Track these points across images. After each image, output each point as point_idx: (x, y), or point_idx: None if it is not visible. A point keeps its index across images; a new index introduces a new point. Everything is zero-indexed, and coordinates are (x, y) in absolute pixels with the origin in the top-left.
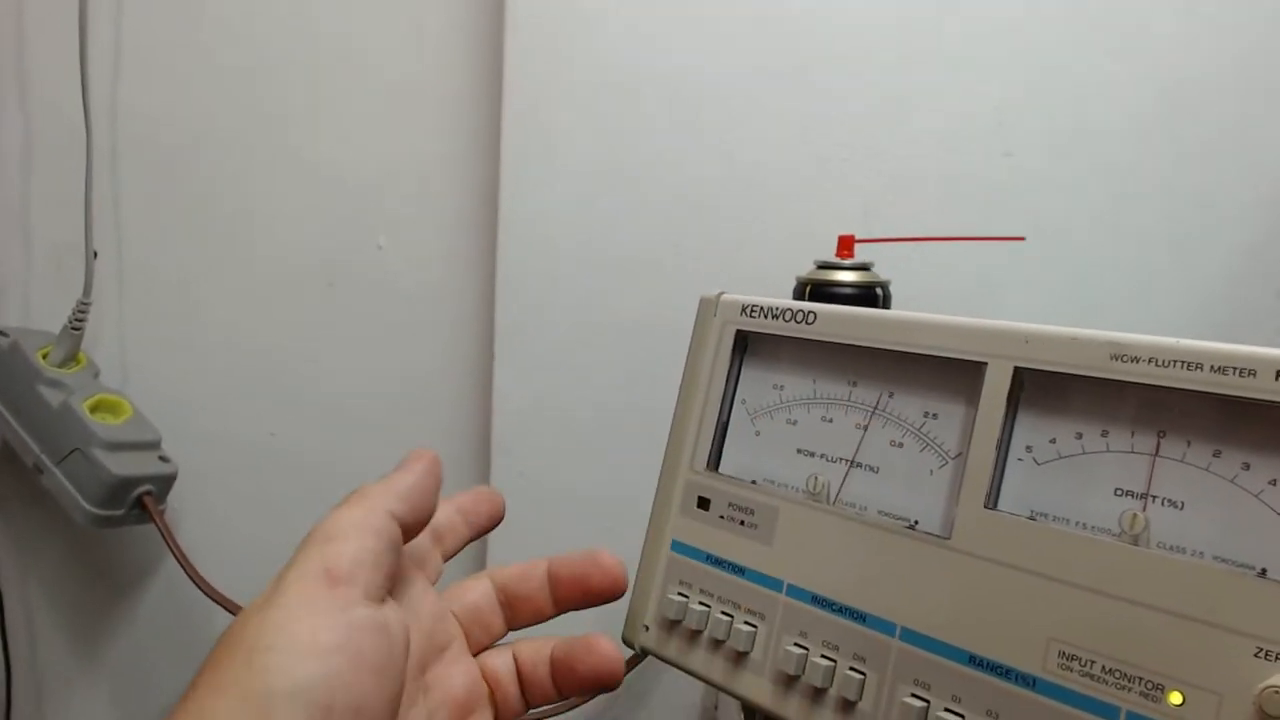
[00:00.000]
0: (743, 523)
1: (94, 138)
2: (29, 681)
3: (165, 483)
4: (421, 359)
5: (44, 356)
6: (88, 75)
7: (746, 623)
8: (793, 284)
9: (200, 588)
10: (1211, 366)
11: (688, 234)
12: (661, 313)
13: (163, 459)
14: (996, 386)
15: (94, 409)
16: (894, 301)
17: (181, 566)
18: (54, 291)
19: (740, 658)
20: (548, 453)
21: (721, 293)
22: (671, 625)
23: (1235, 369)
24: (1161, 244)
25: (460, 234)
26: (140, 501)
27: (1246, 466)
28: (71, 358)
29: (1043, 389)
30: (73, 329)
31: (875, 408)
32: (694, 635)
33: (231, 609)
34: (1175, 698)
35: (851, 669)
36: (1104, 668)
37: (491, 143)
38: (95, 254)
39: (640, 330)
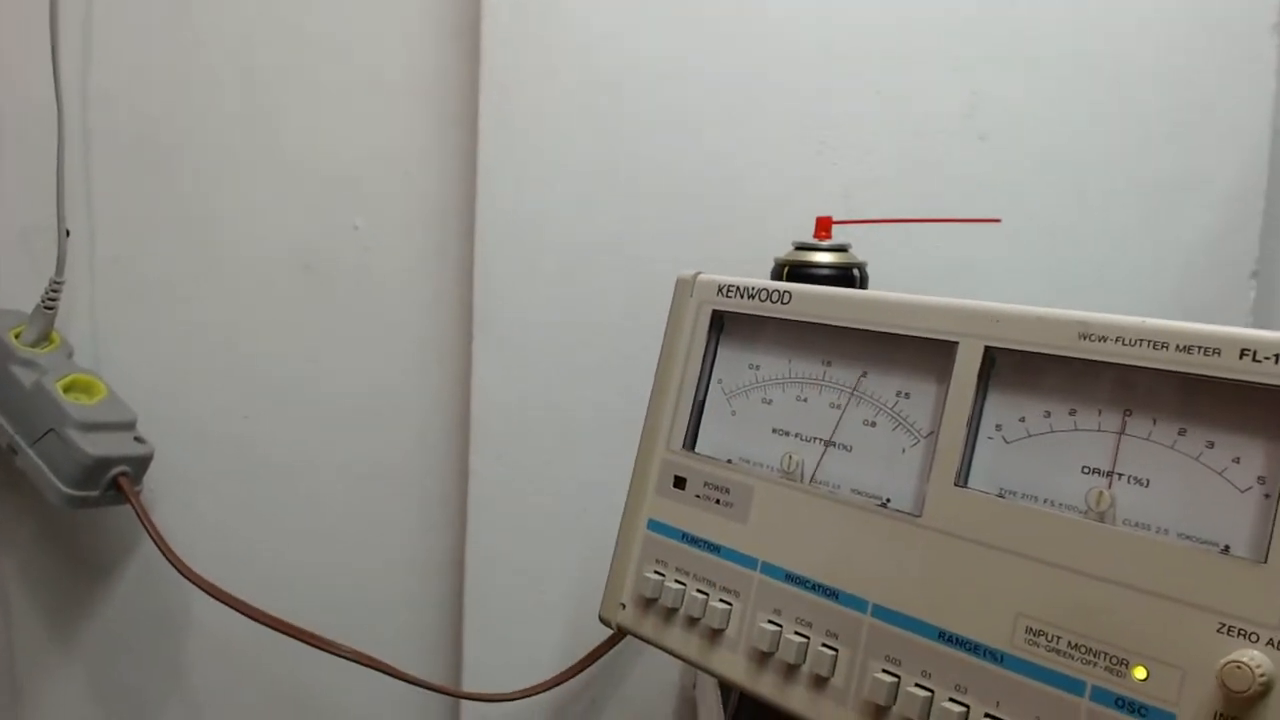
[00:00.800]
0: (718, 501)
1: (65, 118)
2: (4, 663)
3: (141, 463)
4: (400, 343)
5: (16, 336)
6: (58, 56)
7: (721, 600)
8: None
9: (177, 568)
10: (1177, 346)
11: (668, 220)
12: (641, 298)
13: (138, 440)
14: (967, 365)
15: (68, 389)
16: (873, 284)
17: (158, 547)
18: (24, 272)
19: (715, 635)
20: (527, 437)
21: (698, 273)
22: (648, 603)
23: (1200, 348)
24: (1137, 226)
25: (439, 220)
26: (116, 482)
27: (1210, 444)
28: (44, 337)
29: (1013, 368)
30: (45, 308)
31: (849, 387)
32: (670, 613)
33: (208, 589)
34: (1140, 672)
35: (824, 645)
36: (1070, 643)
37: (470, 130)
38: (68, 232)
39: (621, 318)
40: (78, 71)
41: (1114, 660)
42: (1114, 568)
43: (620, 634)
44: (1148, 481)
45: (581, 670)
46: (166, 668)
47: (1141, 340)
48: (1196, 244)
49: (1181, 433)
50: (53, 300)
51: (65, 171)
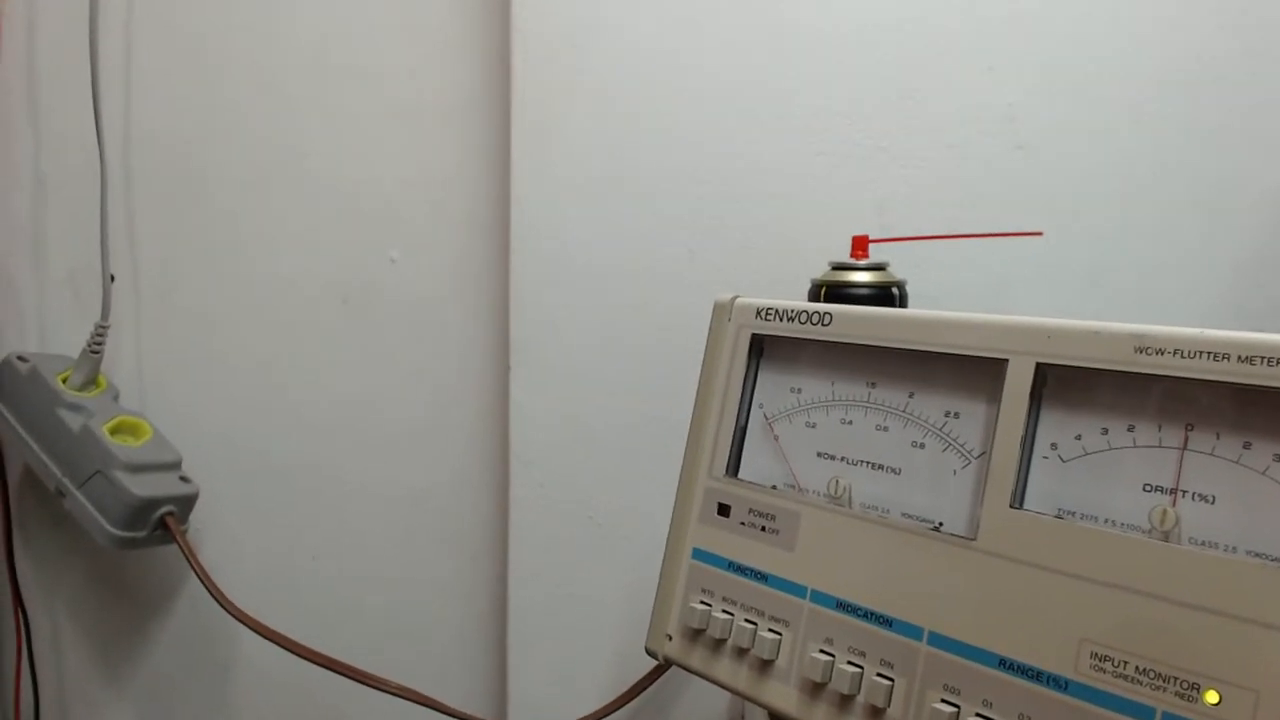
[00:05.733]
0: (764, 528)
1: (107, 162)
2: (55, 704)
3: (187, 503)
4: (438, 373)
5: (64, 380)
6: (99, 100)
7: (771, 630)
8: (809, 287)
9: (224, 606)
10: (1238, 357)
11: (701, 241)
12: (678, 321)
13: (184, 479)
14: (1019, 383)
15: (114, 431)
16: (910, 301)
17: (205, 586)
18: (70, 316)
19: (765, 666)
20: (567, 464)
21: (736, 296)
22: (695, 634)
23: (1263, 358)
24: (1180, 235)
25: (473, 247)
26: (162, 522)
27: (1277, 458)
28: (91, 381)
29: (1066, 385)
30: (92, 352)
31: (896, 409)
32: (718, 644)
33: (255, 627)
34: (1211, 697)
35: (879, 675)
36: (1137, 668)
37: (502, 156)
38: (112, 277)
39: (658, 339)
40: (119, 116)
41: (1184, 685)
42: (1181, 588)
43: (667, 665)
44: (1213, 498)
45: (628, 702)
46: (214, 704)
47: (1201, 352)
48: (1245, 252)
49: (1246, 446)
50: (98, 344)
51: (109, 216)
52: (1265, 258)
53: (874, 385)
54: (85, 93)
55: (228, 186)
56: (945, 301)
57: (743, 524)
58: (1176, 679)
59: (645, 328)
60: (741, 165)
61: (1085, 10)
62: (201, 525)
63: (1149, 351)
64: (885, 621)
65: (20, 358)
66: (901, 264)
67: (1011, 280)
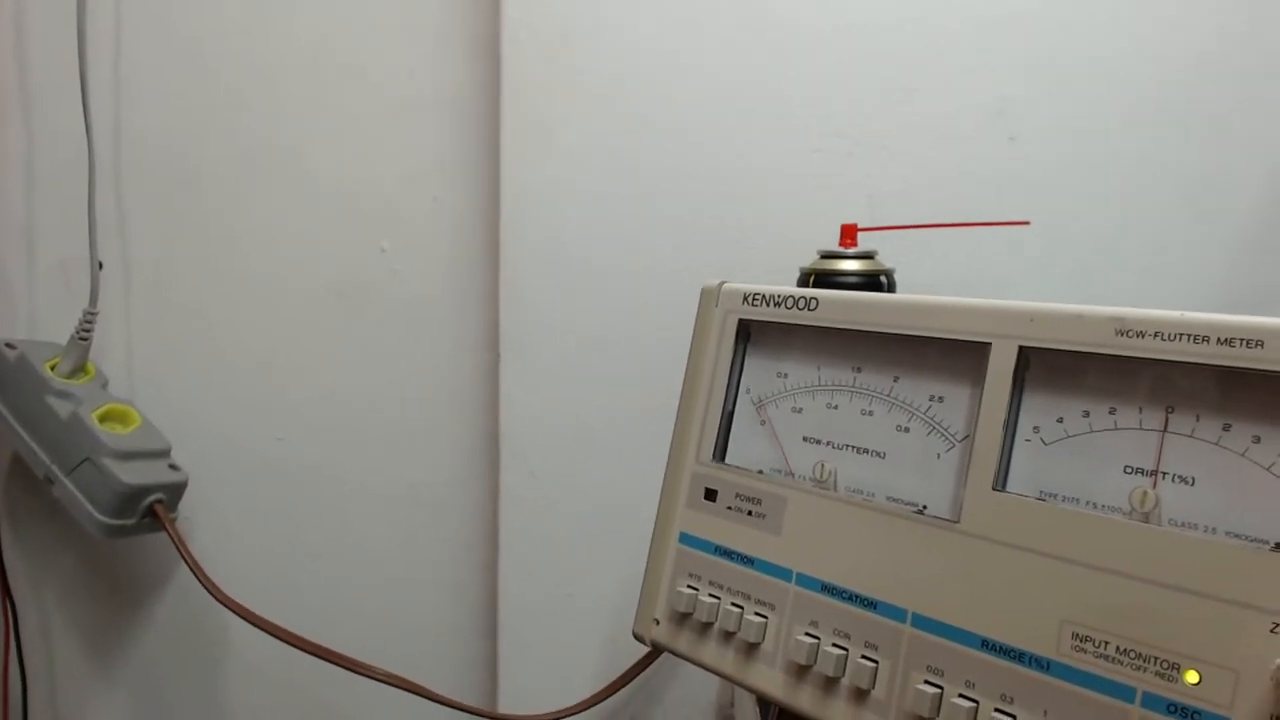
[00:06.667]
0: (750, 513)
1: (96, 150)
2: (45, 692)
3: (176, 491)
4: (428, 364)
5: (52, 368)
6: (88, 90)
7: (757, 613)
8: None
9: (213, 594)
10: (1218, 339)
11: (692, 233)
12: (673, 317)
13: (173, 467)
14: (1001, 367)
15: (103, 419)
16: (901, 291)
17: (194, 574)
18: (60, 304)
19: (752, 649)
20: (557, 455)
21: (723, 282)
22: (682, 618)
23: (1242, 340)
24: (1170, 226)
25: (464, 241)
26: (152, 510)
27: (1257, 439)
28: (80, 368)
29: (1049, 368)
30: (80, 339)
31: (881, 393)
32: (705, 628)
33: (244, 615)
34: (1191, 676)
35: (864, 657)
36: (1118, 648)
37: (492, 151)
38: (100, 265)
39: (647, 332)
40: (108, 107)
41: (1164, 665)
42: (1161, 569)
43: (656, 650)
44: (1193, 479)
45: (618, 689)
46: (204, 692)
47: (1181, 334)
48: (1234, 243)
49: (1226, 428)
50: (87, 331)
51: (97, 204)
52: (1256, 247)
53: (859, 370)
54: (74, 83)
55: (221, 181)
56: (935, 291)
57: (729, 508)
58: (1157, 659)
59: (634, 319)
60: (733, 157)
61: (1084, 10)
62: (191, 514)
63: (1130, 334)
64: (870, 604)
65: (8, 344)
66: (896, 259)
67: (1010, 278)
